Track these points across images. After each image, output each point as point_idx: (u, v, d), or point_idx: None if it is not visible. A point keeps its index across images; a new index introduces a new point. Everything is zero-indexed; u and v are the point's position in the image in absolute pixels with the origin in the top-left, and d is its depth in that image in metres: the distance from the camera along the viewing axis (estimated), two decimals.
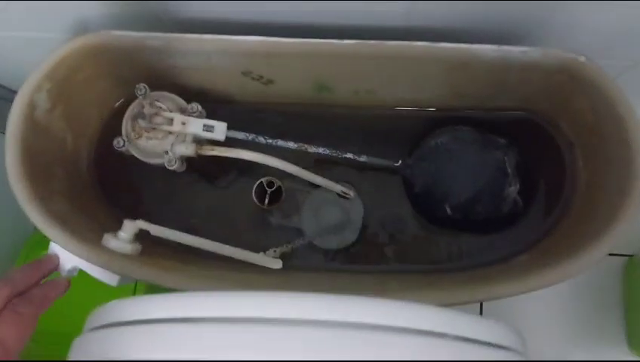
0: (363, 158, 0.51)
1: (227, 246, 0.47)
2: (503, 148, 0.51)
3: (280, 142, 0.50)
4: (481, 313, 0.93)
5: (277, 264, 0.49)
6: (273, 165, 0.48)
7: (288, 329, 0.24)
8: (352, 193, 0.54)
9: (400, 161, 0.53)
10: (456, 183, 0.51)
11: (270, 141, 0.49)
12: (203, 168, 0.55)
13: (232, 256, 0.47)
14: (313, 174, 0.50)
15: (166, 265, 0.45)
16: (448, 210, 0.52)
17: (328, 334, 0.24)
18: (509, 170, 0.51)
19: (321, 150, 0.50)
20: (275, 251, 0.49)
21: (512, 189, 0.51)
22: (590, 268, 0.40)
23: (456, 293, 0.41)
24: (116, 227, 0.42)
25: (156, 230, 0.43)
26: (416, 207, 0.55)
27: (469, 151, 0.51)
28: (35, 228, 0.44)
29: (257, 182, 0.53)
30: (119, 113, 0.48)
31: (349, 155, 0.51)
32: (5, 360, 0.35)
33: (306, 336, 0.24)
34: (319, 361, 0.23)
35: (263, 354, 0.23)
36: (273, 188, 0.53)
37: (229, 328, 0.24)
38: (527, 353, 0.30)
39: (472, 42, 0.43)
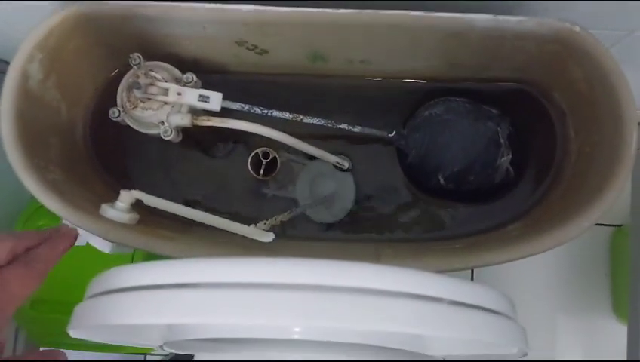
0: (357, 129, 0.51)
1: (217, 217, 0.46)
2: (496, 118, 0.52)
3: (275, 113, 0.50)
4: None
5: (268, 237, 0.46)
6: (269, 136, 0.48)
7: (285, 294, 0.25)
8: (347, 164, 0.54)
9: (394, 132, 0.53)
10: (449, 153, 0.52)
11: (265, 111, 0.49)
12: (199, 139, 0.55)
13: (221, 227, 0.47)
14: (309, 145, 0.50)
15: (164, 234, 0.45)
16: (441, 180, 0.52)
17: (326, 298, 0.25)
18: (502, 141, 0.51)
19: (315, 121, 0.50)
20: (265, 223, 0.47)
21: (505, 159, 0.51)
22: (580, 235, 0.41)
23: (450, 260, 0.42)
24: (113, 197, 0.42)
25: (149, 200, 0.43)
26: (409, 177, 0.55)
27: (463, 121, 0.52)
28: (31, 198, 0.44)
29: (253, 153, 0.54)
30: (114, 83, 0.48)
31: (344, 126, 0.51)
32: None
33: (303, 300, 0.24)
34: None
35: (261, 318, 0.24)
36: (269, 159, 0.54)
37: (225, 293, 0.25)
38: (517, 318, 0.31)
39: (467, 12, 0.43)
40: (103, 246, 0.45)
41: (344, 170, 0.55)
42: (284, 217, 0.49)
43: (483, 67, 0.51)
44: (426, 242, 0.51)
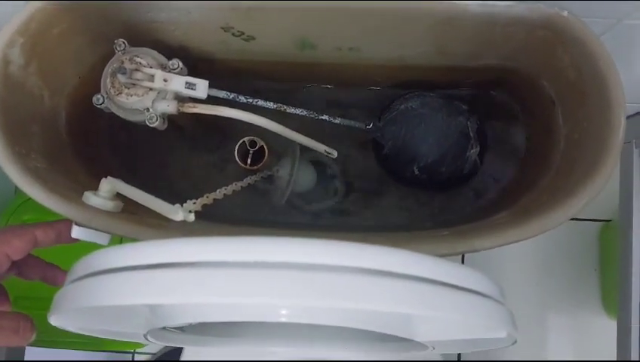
0: (337, 120, 0.53)
1: (138, 191, 0.41)
2: (466, 113, 0.55)
3: (260, 102, 0.49)
4: None
5: (180, 216, 0.39)
6: (256, 123, 0.47)
7: (272, 272, 0.24)
8: (335, 153, 0.54)
9: (371, 124, 0.55)
10: (425, 145, 0.55)
11: (250, 100, 0.49)
12: (185, 127, 0.54)
13: (141, 203, 0.41)
14: (297, 133, 0.50)
15: (151, 222, 0.45)
16: (416, 171, 0.55)
17: (314, 277, 0.24)
18: (471, 134, 0.55)
19: (298, 111, 0.51)
20: (194, 203, 0.42)
21: (473, 151, 0.55)
22: (566, 221, 0.40)
23: (437, 247, 0.42)
24: (97, 185, 0.42)
25: (123, 188, 0.42)
26: (384, 167, 0.58)
27: (437, 115, 0.55)
28: (17, 191, 0.43)
29: (240, 142, 0.53)
30: (98, 70, 0.47)
31: (325, 117, 0.52)
32: None
33: (297, 278, 0.24)
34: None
35: (246, 296, 0.23)
36: (256, 148, 0.53)
37: (208, 271, 0.24)
38: (506, 303, 0.31)
39: None
40: (100, 238, 0.44)
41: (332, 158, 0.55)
42: (217, 195, 0.45)
43: (474, 54, 0.50)
44: (413, 230, 0.51)
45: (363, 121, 0.55)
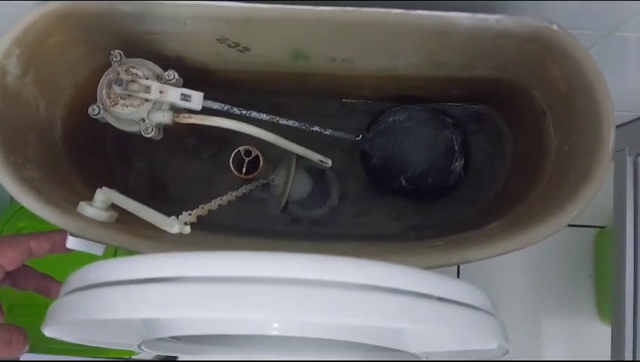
0: (328, 132, 0.53)
1: (133, 202, 0.41)
2: (451, 127, 0.57)
3: (253, 114, 0.50)
4: None
5: (177, 228, 0.40)
6: (251, 133, 0.48)
7: (262, 287, 0.25)
8: (330, 162, 0.54)
9: (360, 136, 0.57)
10: (412, 158, 0.57)
11: (244, 112, 0.50)
12: (181, 137, 0.55)
13: (137, 214, 0.41)
14: (292, 143, 0.50)
15: (144, 233, 0.45)
16: (403, 182, 0.56)
17: (305, 292, 0.25)
18: (456, 147, 0.56)
19: (290, 122, 0.52)
20: (189, 214, 0.42)
21: (458, 164, 0.57)
22: (558, 231, 0.41)
23: (430, 258, 0.42)
24: (92, 196, 0.42)
25: (118, 199, 0.42)
26: (371, 177, 0.60)
27: (424, 129, 0.57)
28: (12, 200, 0.43)
29: (235, 151, 0.53)
30: (94, 81, 0.48)
31: (316, 128, 0.53)
32: None
33: (289, 294, 0.24)
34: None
35: (235, 311, 0.24)
36: (251, 157, 0.53)
37: (201, 286, 0.24)
38: (497, 315, 0.31)
39: (446, 10, 0.43)
40: (95, 249, 0.45)
41: (326, 167, 0.55)
42: (212, 206, 0.45)
43: (466, 66, 0.51)
44: (408, 241, 0.52)
45: (352, 133, 0.56)
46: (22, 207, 0.43)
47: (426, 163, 0.56)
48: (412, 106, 0.58)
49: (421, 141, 0.56)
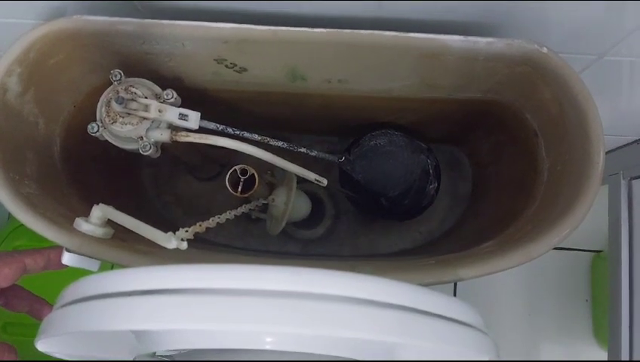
0: (314, 153, 0.56)
1: (131, 218, 0.42)
2: (426, 152, 0.63)
3: (246, 134, 0.51)
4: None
5: (173, 244, 0.40)
6: (248, 152, 0.48)
7: (256, 300, 0.25)
8: (325, 181, 0.55)
9: (343, 158, 0.61)
10: (392, 180, 0.62)
11: (237, 132, 0.50)
12: (179, 155, 0.55)
13: (133, 229, 0.42)
14: (288, 162, 0.51)
15: (140, 249, 0.45)
16: (384, 202, 0.61)
17: (298, 305, 0.25)
18: (431, 171, 0.62)
19: (280, 143, 0.53)
20: (186, 231, 0.42)
21: (432, 186, 0.62)
22: (549, 251, 0.41)
23: (424, 275, 0.42)
24: (89, 212, 0.42)
25: (115, 216, 0.42)
26: (350, 197, 0.63)
27: (404, 153, 0.62)
28: (10, 216, 0.44)
29: (231, 170, 0.54)
30: (93, 99, 0.48)
31: (302, 150, 0.55)
32: None
33: (281, 306, 0.24)
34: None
35: (228, 324, 0.24)
36: (246, 176, 0.54)
37: (193, 298, 0.25)
38: (488, 332, 0.31)
39: (441, 33, 0.44)
40: (91, 265, 0.45)
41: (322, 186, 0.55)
42: (210, 223, 0.45)
43: (459, 87, 0.52)
44: (402, 259, 0.52)
45: (336, 155, 0.60)
46: (19, 226, 0.44)
47: (405, 185, 0.62)
48: (390, 131, 0.62)
49: (401, 164, 0.62)
